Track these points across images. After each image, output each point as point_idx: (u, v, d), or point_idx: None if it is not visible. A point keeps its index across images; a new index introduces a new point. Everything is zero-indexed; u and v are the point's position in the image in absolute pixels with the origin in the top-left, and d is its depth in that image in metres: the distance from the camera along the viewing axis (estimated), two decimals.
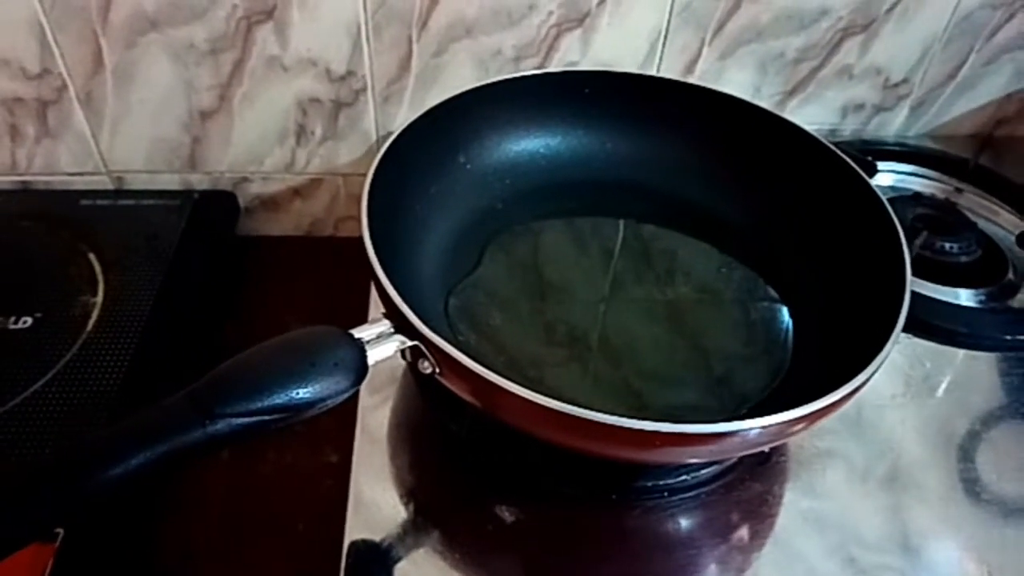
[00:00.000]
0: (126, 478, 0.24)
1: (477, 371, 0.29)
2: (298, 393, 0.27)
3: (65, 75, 0.52)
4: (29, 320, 0.46)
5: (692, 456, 0.33)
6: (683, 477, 0.38)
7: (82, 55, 0.51)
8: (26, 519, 0.23)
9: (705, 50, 0.56)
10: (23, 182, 0.57)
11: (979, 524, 0.38)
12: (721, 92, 0.48)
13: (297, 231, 0.62)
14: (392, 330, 0.31)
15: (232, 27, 0.50)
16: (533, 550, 0.36)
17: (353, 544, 0.35)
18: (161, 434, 0.25)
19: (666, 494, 0.37)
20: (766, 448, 0.39)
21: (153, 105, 0.54)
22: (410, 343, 0.31)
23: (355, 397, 0.42)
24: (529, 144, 0.49)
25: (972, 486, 0.40)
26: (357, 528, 0.36)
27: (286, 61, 0.52)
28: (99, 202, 0.55)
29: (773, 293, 0.46)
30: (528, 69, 0.53)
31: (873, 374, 0.33)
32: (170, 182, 0.58)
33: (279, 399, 0.26)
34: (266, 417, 0.26)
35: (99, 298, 0.48)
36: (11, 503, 0.23)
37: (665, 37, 0.54)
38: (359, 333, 0.30)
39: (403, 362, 0.43)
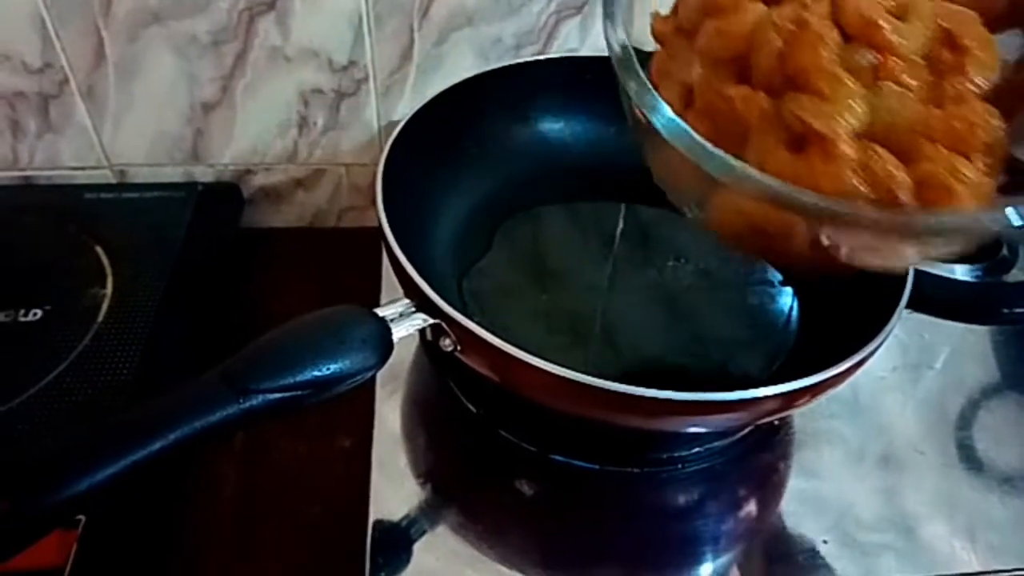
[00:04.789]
0: (164, 453, 0.24)
1: (499, 346, 0.30)
2: (328, 368, 0.27)
3: (67, 69, 0.52)
4: (39, 312, 0.46)
5: (704, 426, 0.34)
6: (696, 449, 0.39)
7: (84, 49, 0.51)
8: (68, 494, 0.23)
9: None
10: (25, 177, 0.57)
11: (977, 496, 0.39)
12: None
13: (300, 222, 0.62)
14: (413, 309, 0.32)
15: (234, 19, 0.50)
16: (551, 523, 0.37)
17: (377, 523, 0.36)
18: (198, 410, 0.25)
19: (680, 465, 0.38)
20: (775, 420, 0.40)
21: (155, 98, 0.54)
22: (432, 321, 0.32)
23: (371, 383, 0.42)
24: (534, 129, 0.50)
25: (969, 457, 0.41)
26: (379, 508, 0.37)
27: (288, 52, 0.52)
28: (103, 196, 0.55)
29: (775, 275, 0.47)
30: (528, 56, 0.54)
31: (877, 348, 0.34)
32: (173, 175, 0.58)
33: (310, 374, 0.27)
34: (298, 392, 0.27)
35: (108, 290, 0.48)
36: (53, 478, 0.23)
37: None
38: (382, 312, 0.31)
39: (413, 351, 0.44)
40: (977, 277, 0.50)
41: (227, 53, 0.52)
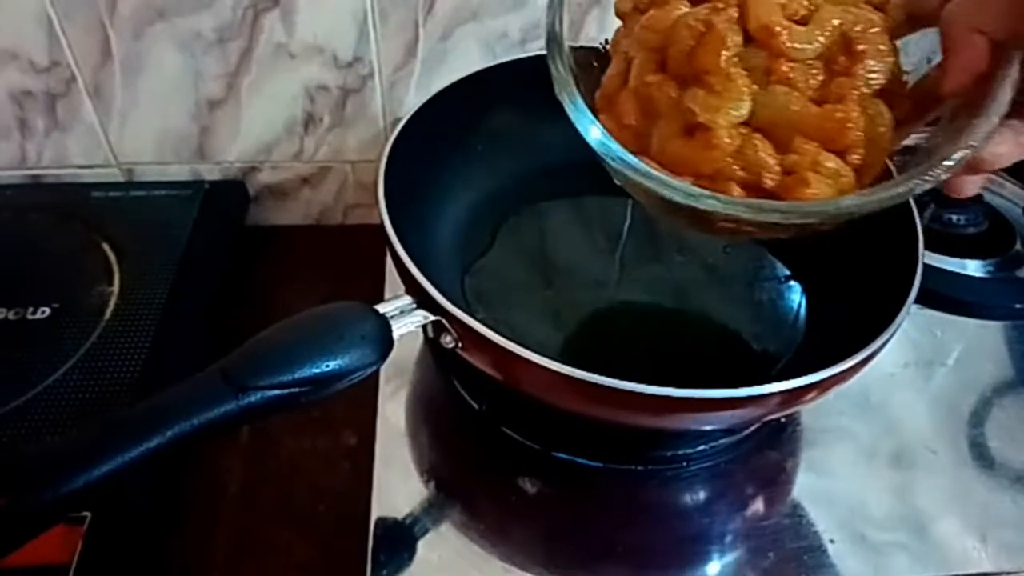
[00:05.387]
0: (162, 450, 0.24)
1: (498, 342, 0.30)
2: (327, 365, 0.27)
3: (74, 67, 0.52)
4: (47, 310, 0.47)
5: (709, 423, 0.34)
6: (701, 447, 0.38)
7: (90, 47, 0.51)
8: (66, 490, 0.23)
9: None
10: (33, 176, 0.58)
11: (989, 495, 0.38)
12: None
13: (306, 220, 0.62)
14: (414, 305, 0.32)
15: (239, 15, 0.50)
16: (555, 520, 0.37)
17: (379, 521, 0.36)
18: (196, 407, 0.25)
19: (685, 463, 0.38)
20: (782, 416, 0.39)
21: (161, 96, 0.54)
22: (432, 318, 0.32)
23: (374, 381, 0.42)
24: (539, 124, 0.49)
25: (982, 455, 0.40)
26: (382, 506, 0.37)
27: (293, 48, 0.52)
28: (111, 194, 0.56)
29: (785, 271, 0.46)
30: (534, 51, 0.53)
31: (886, 343, 0.33)
32: (179, 173, 0.58)
33: (309, 371, 0.27)
34: (296, 389, 0.27)
35: (115, 288, 0.49)
36: (51, 474, 0.23)
37: None
38: (383, 308, 0.31)
39: (418, 347, 0.44)
40: (989, 273, 0.49)
41: (232, 50, 0.52)
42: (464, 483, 0.38)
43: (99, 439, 0.24)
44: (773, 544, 0.36)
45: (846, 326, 0.37)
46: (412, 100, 0.55)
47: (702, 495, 0.37)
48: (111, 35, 0.51)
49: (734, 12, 0.28)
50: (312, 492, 0.43)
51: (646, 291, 0.45)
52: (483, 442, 0.39)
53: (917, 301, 0.46)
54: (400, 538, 0.36)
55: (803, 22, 0.28)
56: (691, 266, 0.46)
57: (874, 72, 0.27)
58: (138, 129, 0.56)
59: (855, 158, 0.28)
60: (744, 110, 0.28)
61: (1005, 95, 0.25)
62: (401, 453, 0.39)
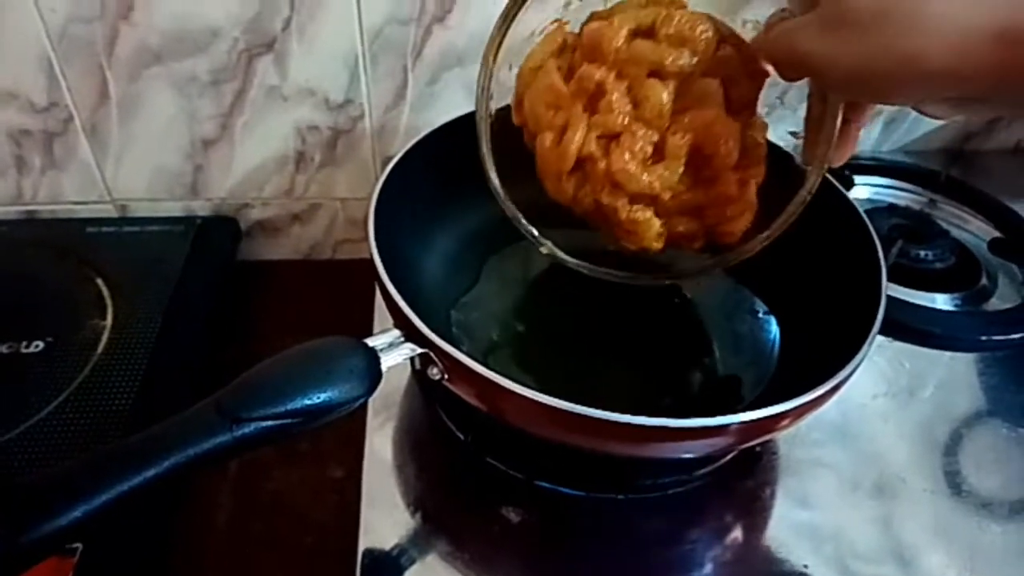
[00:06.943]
0: (159, 479, 0.25)
1: (484, 374, 0.31)
2: (318, 398, 0.28)
3: (72, 108, 0.53)
4: (41, 344, 0.47)
5: (686, 451, 0.35)
6: (681, 475, 0.39)
7: (88, 88, 0.53)
8: (64, 521, 0.24)
9: None
10: (29, 212, 0.59)
11: (963, 521, 0.39)
12: None
13: (296, 255, 0.64)
14: (402, 339, 0.33)
15: (233, 59, 0.52)
16: (538, 549, 0.37)
17: (366, 552, 0.37)
18: (192, 438, 0.26)
19: (665, 492, 0.39)
20: (756, 446, 0.40)
21: (156, 135, 0.55)
22: (420, 350, 0.33)
23: (362, 413, 0.43)
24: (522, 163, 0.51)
25: (955, 482, 0.42)
26: (369, 537, 0.37)
27: (286, 91, 0.54)
28: (104, 229, 0.57)
29: (761, 305, 0.48)
30: None
31: (853, 372, 0.34)
32: (172, 209, 0.60)
33: (300, 403, 0.28)
34: (288, 420, 0.28)
35: (108, 322, 0.50)
36: (50, 504, 0.24)
37: None
38: (372, 342, 0.32)
39: (405, 381, 0.45)
40: (957, 306, 0.51)
41: (226, 92, 0.54)
42: (449, 513, 0.39)
43: (98, 469, 0.25)
44: (750, 570, 0.37)
45: (817, 358, 0.39)
46: (401, 141, 0.57)
47: (681, 523, 0.38)
48: (109, 77, 0.52)
49: (611, 189, 0.36)
50: (299, 524, 0.44)
51: (628, 324, 0.47)
52: (468, 473, 0.40)
53: (889, 334, 0.48)
54: (387, 569, 0.36)
55: (660, 148, 0.35)
56: (671, 299, 0.48)
57: (728, 155, 0.35)
58: (133, 167, 0.57)
59: (750, 178, 0.37)
60: (658, 226, 0.37)
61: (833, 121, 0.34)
62: (387, 484, 0.40)
